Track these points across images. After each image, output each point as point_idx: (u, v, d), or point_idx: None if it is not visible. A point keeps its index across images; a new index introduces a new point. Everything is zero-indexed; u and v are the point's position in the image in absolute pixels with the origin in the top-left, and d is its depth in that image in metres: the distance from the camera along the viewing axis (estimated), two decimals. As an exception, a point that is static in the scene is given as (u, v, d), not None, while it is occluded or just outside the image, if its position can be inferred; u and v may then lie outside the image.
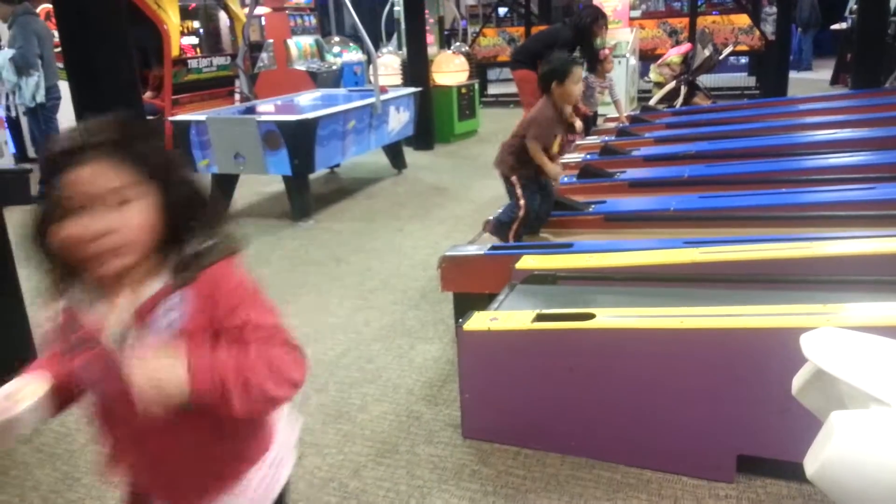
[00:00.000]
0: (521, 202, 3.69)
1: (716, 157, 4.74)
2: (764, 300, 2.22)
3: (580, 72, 3.73)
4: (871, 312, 2.00)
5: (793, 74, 11.18)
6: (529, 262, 2.95)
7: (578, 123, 4.04)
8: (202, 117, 5.61)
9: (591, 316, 2.28)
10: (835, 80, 12.07)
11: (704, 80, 9.81)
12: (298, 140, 5.28)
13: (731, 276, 2.55)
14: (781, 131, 5.46)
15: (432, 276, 3.94)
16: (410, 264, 4.54)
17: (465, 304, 3.02)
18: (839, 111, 6.03)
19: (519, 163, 3.75)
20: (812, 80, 12.54)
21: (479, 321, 2.47)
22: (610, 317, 2.28)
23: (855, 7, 10.51)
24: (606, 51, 6.76)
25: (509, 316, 2.47)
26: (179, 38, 8.61)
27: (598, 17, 6.21)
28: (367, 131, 6.27)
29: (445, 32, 12.41)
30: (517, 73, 6.51)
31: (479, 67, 11.47)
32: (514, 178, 3.75)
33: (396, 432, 2.63)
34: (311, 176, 5.87)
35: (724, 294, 2.44)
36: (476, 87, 9.26)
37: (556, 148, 3.77)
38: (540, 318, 2.38)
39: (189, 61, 8.71)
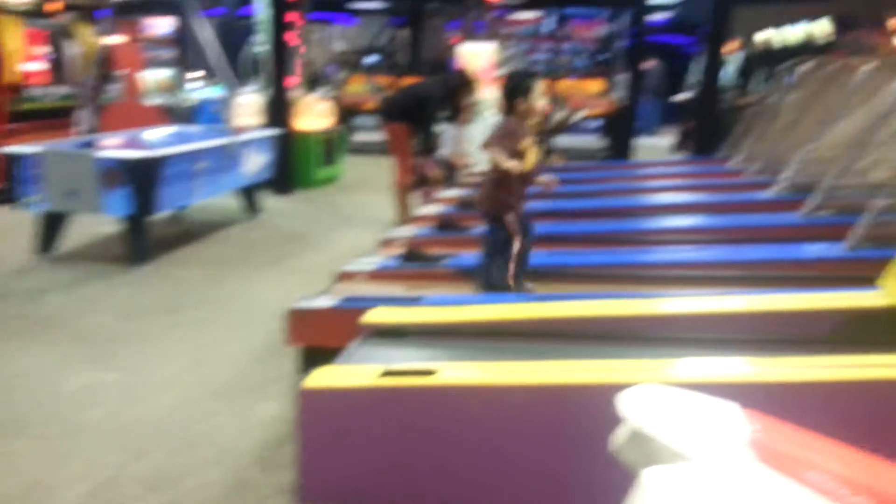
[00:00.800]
0: (514, 237, 3.51)
1: (566, 215, 4.89)
2: (605, 355, 2.24)
3: (541, 86, 3.71)
4: (696, 370, 2.06)
5: (640, 139, 11.98)
6: (379, 315, 2.85)
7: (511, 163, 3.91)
8: (36, 149, 5.16)
9: (433, 372, 2.21)
10: (679, 147, 13.04)
11: (560, 140, 10.32)
12: (140, 178, 4.97)
13: (576, 331, 2.57)
14: (626, 193, 5.75)
15: (280, 328, 3.76)
16: (258, 316, 4.32)
17: (313, 359, 2.87)
18: (679, 176, 6.46)
19: (494, 195, 3.61)
20: (659, 146, 13.49)
21: (321, 377, 2.33)
22: (452, 372, 2.22)
23: (695, 81, 11.44)
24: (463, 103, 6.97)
25: (353, 371, 2.36)
26: (18, 63, 7.98)
27: (467, 82, 6.42)
28: (220, 172, 6.00)
29: (311, 77, 12.34)
30: (389, 126, 6.50)
31: (346, 114, 11.44)
32: (505, 217, 3.55)
33: (224, 500, 2.42)
34: (155, 217, 5.53)
35: (568, 349, 2.45)
36: (341, 133, 9.20)
37: (528, 164, 3.66)
38: (387, 374, 2.28)
39: (30, 89, 8.08)
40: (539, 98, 3.62)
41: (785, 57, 7.33)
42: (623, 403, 1.13)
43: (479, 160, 7.13)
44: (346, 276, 3.64)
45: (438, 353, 2.54)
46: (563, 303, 2.79)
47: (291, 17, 8.47)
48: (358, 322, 2.81)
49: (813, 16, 9.43)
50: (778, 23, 10.89)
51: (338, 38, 18.03)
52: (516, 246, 3.51)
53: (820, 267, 3.44)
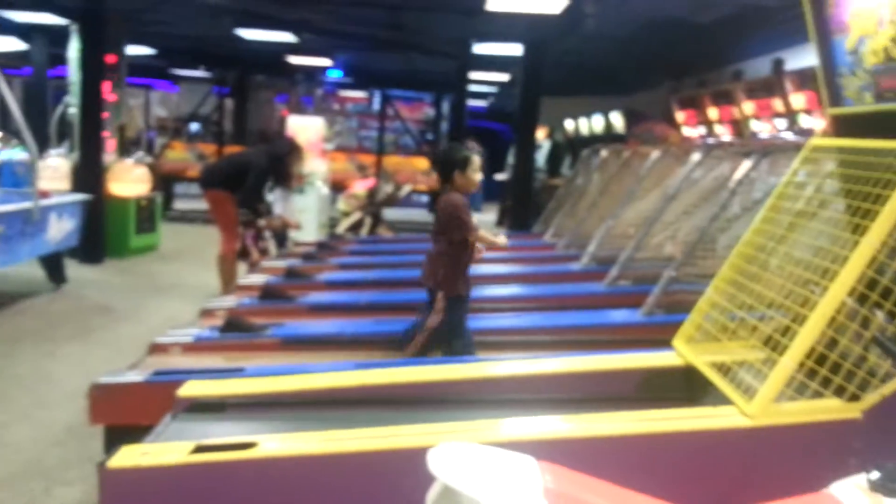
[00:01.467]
0: (440, 314, 3.43)
1: (391, 284, 4.98)
2: (425, 419, 2.28)
3: (478, 160, 3.63)
4: (507, 429, 2.15)
5: (466, 215, 12.50)
6: (195, 388, 2.71)
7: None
8: None
9: (252, 444, 2.14)
10: (500, 222, 13.74)
11: (391, 214, 10.55)
12: (-76, 244, 4.45)
13: (395, 397, 2.60)
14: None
15: (85, 406, 3.45)
16: (60, 394, 3.95)
17: (121, 439, 2.66)
18: (498, 249, 6.79)
19: (453, 274, 3.51)
20: (482, 221, 14.11)
21: (127, 457, 2.16)
22: (273, 444, 2.16)
23: (512, 163, 12.30)
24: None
25: (163, 449, 2.21)
26: None
27: (294, 150, 6.39)
28: (18, 239, 5.51)
29: (129, 142, 11.80)
30: (212, 193, 6.29)
31: (165, 181, 11.00)
32: (440, 295, 3.47)
33: None
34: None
35: (389, 415, 2.47)
36: (158, 200, 8.81)
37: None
38: (198, 449, 2.17)
39: None
40: (477, 172, 3.60)
41: (587, 144, 8.09)
42: (431, 462, 1.18)
43: (306, 227, 7.18)
44: (158, 349, 3.44)
45: (260, 426, 2.46)
46: (386, 369, 2.82)
47: (105, 80, 8.12)
48: (172, 396, 2.66)
49: (607, 108, 10.52)
50: (578, 114, 12.03)
51: (158, 103, 17.46)
52: (437, 321, 3.49)
53: (621, 331, 3.76)
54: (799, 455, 2.14)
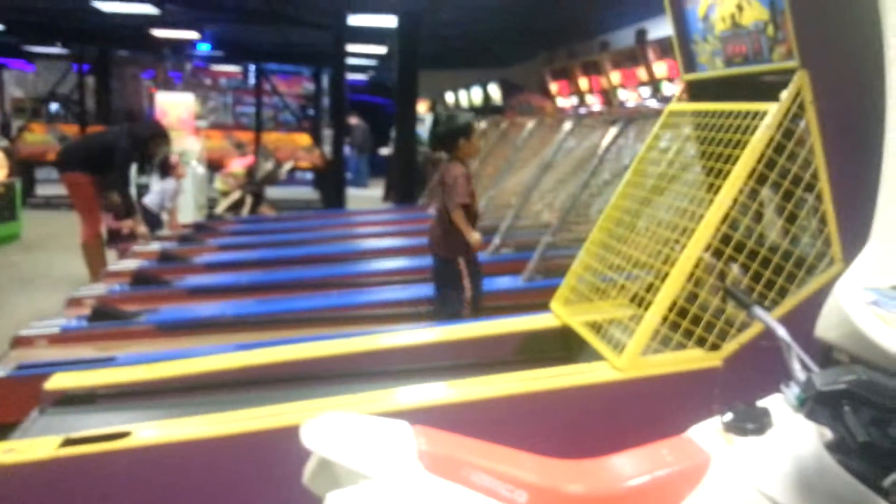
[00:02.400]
0: (466, 285, 3.50)
1: (275, 263, 4.88)
2: (306, 397, 2.26)
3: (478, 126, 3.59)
4: (390, 399, 2.17)
5: (353, 191, 12.39)
6: (63, 380, 2.57)
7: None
8: None
9: (126, 434, 2.05)
10: (386, 197, 13.69)
11: (274, 192, 10.29)
12: None
13: (278, 376, 2.57)
14: (335, 240, 5.91)
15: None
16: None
17: (-17, 439, 2.48)
18: (383, 223, 6.81)
19: (459, 238, 3.55)
20: (369, 196, 14.04)
21: (-12, 456, 2.03)
22: (147, 433, 2.08)
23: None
24: (175, 157, 6.67)
25: (30, 445, 2.08)
26: None
27: (157, 135, 6.10)
28: None
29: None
30: (69, 175, 5.90)
31: (25, 165, 10.24)
32: (459, 261, 3.52)
33: None
34: None
35: (270, 395, 2.43)
36: (17, 186, 8.20)
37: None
38: (67, 442, 2.06)
39: None
40: (479, 139, 3.62)
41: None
42: (304, 435, 1.17)
43: (183, 209, 6.92)
44: (22, 342, 3.25)
45: (133, 416, 2.36)
46: (265, 349, 2.77)
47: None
48: (39, 390, 2.51)
49: (486, 81, 10.66)
50: (458, 87, 12.12)
51: (15, 84, 16.16)
52: (466, 293, 3.60)
53: (503, 297, 3.85)
54: (666, 403, 2.27)
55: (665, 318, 2.28)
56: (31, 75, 16.21)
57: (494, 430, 2.13)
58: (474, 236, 3.63)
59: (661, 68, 5.80)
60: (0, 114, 13.66)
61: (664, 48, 5.57)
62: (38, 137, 11.34)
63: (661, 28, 5.63)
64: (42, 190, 11.59)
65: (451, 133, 3.72)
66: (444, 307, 3.67)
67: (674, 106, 2.84)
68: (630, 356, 2.23)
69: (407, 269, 4.66)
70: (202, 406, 2.42)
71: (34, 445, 2.06)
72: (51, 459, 1.99)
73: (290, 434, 2.01)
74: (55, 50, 14.05)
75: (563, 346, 2.82)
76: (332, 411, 1.25)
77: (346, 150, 13.66)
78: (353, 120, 15.51)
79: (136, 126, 6.15)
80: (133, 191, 6.92)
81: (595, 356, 2.41)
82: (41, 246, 7.96)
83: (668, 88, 5.61)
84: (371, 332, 3.10)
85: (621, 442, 1.60)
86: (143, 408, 2.47)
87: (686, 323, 2.28)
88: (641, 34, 6.51)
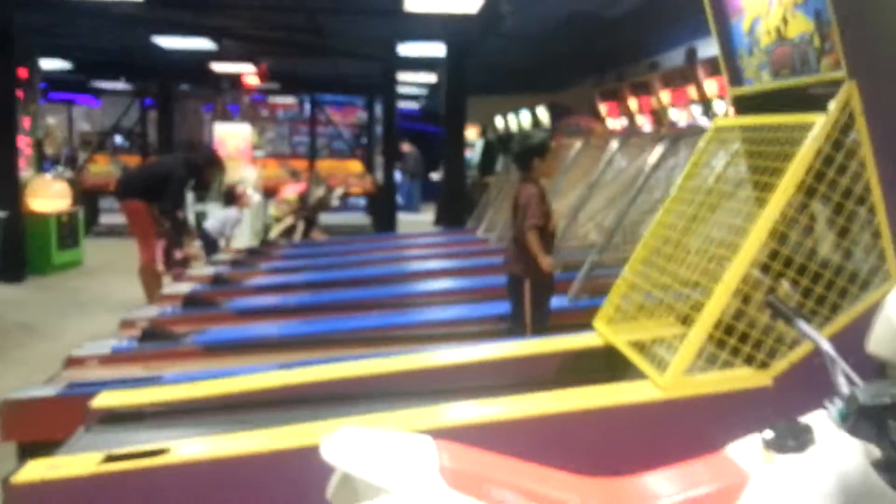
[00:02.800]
0: (527, 307, 3.49)
1: (322, 286, 4.93)
2: (348, 414, 2.24)
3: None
4: (431, 418, 2.14)
5: (405, 216, 12.49)
6: (109, 399, 2.62)
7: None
8: None
9: (165, 451, 2.07)
10: (437, 221, 13.74)
11: (328, 218, 10.45)
12: None
13: (318, 395, 2.57)
14: (382, 263, 5.95)
15: (-4, 426, 3.29)
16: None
17: (35, 455, 2.55)
18: (431, 246, 6.83)
19: (535, 261, 3.53)
20: (420, 221, 14.12)
21: (34, 471, 2.07)
22: (187, 449, 2.10)
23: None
24: (241, 188, 6.86)
25: (72, 461, 2.12)
26: None
27: (212, 163, 6.31)
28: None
29: (52, 158, 11.44)
30: (128, 203, 6.14)
31: (89, 196, 10.65)
32: (526, 282, 3.51)
33: None
34: None
35: (310, 413, 2.42)
36: (81, 215, 8.53)
37: (554, 220, 3.64)
38: (108, 459, 2.09)
39: None
40: (555, 158, 3.65)
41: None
42: (325, 450, 1.16)
43: (238, 235, 7.12)
44: (74, 362, 3.33)
45: (177, 433, 2.38)
46: (308, 368, 2.78)
47: (17, 94, 7.85)
48: (86, 409, 2.57)
49: (534, 105, 10.67)
50: (507, 111, 12.16)
51: (83, 118, 16.91)
52: (527, 318, 3.57)
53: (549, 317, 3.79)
54: (712, 424, 2.16)
55: (711, 336, 2.21)
56: (97, 110, 16.95)
57: (533, 449, 2.08)
58: (546, 260, 3.55)
59: (711, 86, 5.71)
60: (67, 147, 14.28)
61: (714, 66, 5.47)
62: (102, 169, 11.80)
63: (712, 47, 5.54)
64: (105, 219, 12.02)
65: (525, 152, 3.66)
66: (512, 325, 3.67)
67: (720, 121, 2.78)
68: (674, 375, 2.15)
69: (452, 290, 4.66)
70: (243, 424, 2.43)
71: (76, 462, 2.10)
72: (92, 475, 2.02)
73: (318, 454, 2.02)
74: (120, 85, 14.68)
75: (606, 366, 2.75)
76: (351, 426, 1.24)
77: (398, 176, 13.82)
78: (406, 147, 15.69)
79: (192, 155, 6.35)
80: (191, 217, 7.14)
81: (639, 375, 2.34)
82: (102, 271, 8.23)
83: (720, 106, 5.51)
84: (415, 351, 3.08)
85: (662, 463, 1.53)
86: (186, 425, 2.50)
87: (733, 340, 2.19)
88: (691, 53, 6.43)
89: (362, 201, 14.21)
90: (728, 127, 2.72)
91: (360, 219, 13.25)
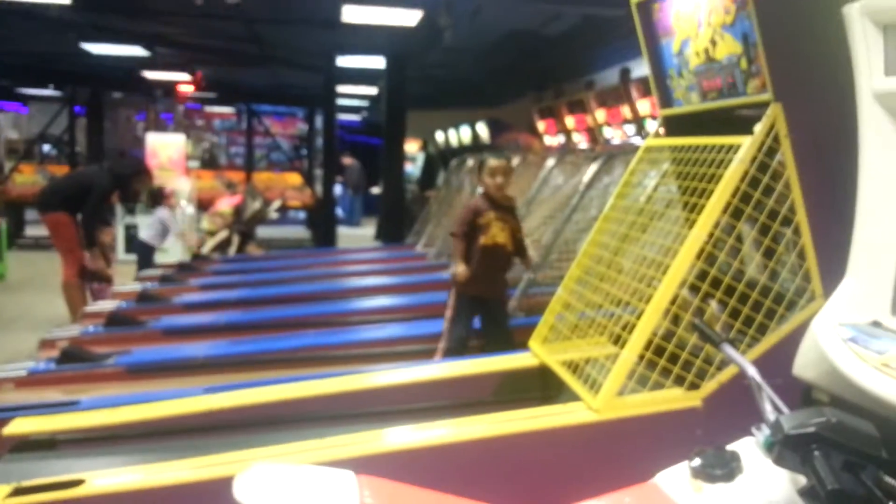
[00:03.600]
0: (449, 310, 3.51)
1: (256, 303, 4.81)
2: (272, 441, 2.17)
3: (495, 163, 3.68)
4: (350, 445, 2.07)
5: (345, 230, 12.35)
6: (23, 425, 2.48)
7: None
8: None
9: (80, 482, 1.96)
10: (378, 235, 13.64)
11: (267, 231, 10.25)
12: None
13: (243, 420, 2.48)
14: (319, 279, 5.84)
15: None
16: None
17: (-62, 487, 2.38)
18: (370, 262, 6.76)
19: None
20: (361, 235, 14.00)
21: (-67, 507, 1.94)
22: (103, 481, 1.98)
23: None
24: (168, 188, 6.66)
25: (-23, 496, 1.99)
26: None
27: (140, 172, 6.14)
28: None
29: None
30: (50, 216, 5.89)
31: (14, 206, 10.20)
32: (450, 293, 3.58)
33: None
34: None
35: (235, 441, 2.34)
36: (4, 226, 8.16)
37: (500, 238, 3.59)
38: (17, 492, 1.96)
39: None
40: (492, 174, 3.65)
41: (457, 155, 8.19)
42: (237, 488, 1.10)
43: (170, 248, 6.92)
44: (-13, 385, 3.14)
45: (94, 462, 2.27)
46: (234, 392, 2.68)
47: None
48: (-1, 436, 2.42)
49: (476, 121, 10.74)
50: (449, 126, 12.21)
51: (11, 126, 16.21)
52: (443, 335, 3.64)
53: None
54: (644, 446, 2.18)
55: (642, 357, 2.21)
56: (25, 117, 16.29)
57: (461, 476, 2.05)
58: (457, 268, 3.59)
59: (644, 106, 5.83)
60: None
61: (647, 86, 5.60)
62: (28, 178, 11.34)
63: (645, 67, 5.67)
64: (31, 231, 11.53)
65: (480, 170, 3.79)
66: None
67: (651, 141, 2.81)
68: (606, 396, 2.15)
69: (390, 307, 4.60)
70: (163, 452, 2.33)
71: (-16, 495, 1.97)
72: (-3, 510, 1.90)
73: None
74: (49, 92, 14.14)
75: (541, 386, 2.74)
76: (262, 462, 1.18)
77: (339, 189, 13.67)
78: (347, 160, 15.56)
79: (117, 163, 6.14)
80: (120, 230, 6.90)
81: (573, 397, 2.33)
82: (25, 287, 7.89)
83: (652, 126, 5.63)
84: (347, 373, 3.02)
85: (596, 487, 1.51)
86: (103, 454, 2.38)
87: (663, 361, 2.21)
88: (625, 73, 6.56)
89: (302, 214, 14.03)
90: (658, 147, 2.76)
91: (300, 232, 13.06)
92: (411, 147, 12.90)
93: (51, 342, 3.80)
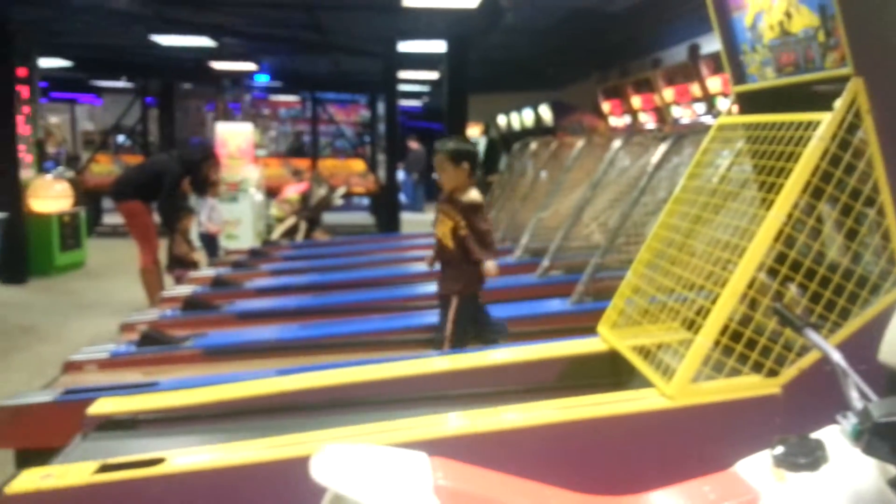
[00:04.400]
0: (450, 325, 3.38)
1: (324, 288, 4.89)
2: (344, 423, 2.21)
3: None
4: (425, 428, 2.09)
5: (409, 215, 12.43)
6: (106, 406, 2.59)
7: None
8: None
9: (160, 461, 2.03)
10: (439, 221, 13.68)
11: (331, 217, 10.40)
12: None
13: (315, 401, 2.53)
14: (385, 264, 5.90)
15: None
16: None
17: (30, 463, 2.52)
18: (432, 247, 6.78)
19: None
20: (424, 220, 14.07)
21: (28, 481, 2.03)
22: (183, 459, 2.06)
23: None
24: (215, 177, 6.82)
25: (67, 470, 2.09)
26: None
27: (209, 157, 6.32)
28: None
29: (53, 158, 11.41)
30: (124, 205, 6.12)
31: (91, 196, 10.63)
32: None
33: None
34: None
35: (308, 422, 2.39)
36: (83, 215, 8.51)
37: (438, 232, 3.56)
38: (103, 469, 2.05)
39: None
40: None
41: (520, 139, 8.11)
42: (314, 468, 1.12)
43: (241, 235, 7.08)
44: (72, 367, 3.30)
45: (172, 441, 2.35)
46: (306, 374, 2.74)
47: (16, 93, 7.83)
48: (83, 415, 2.53)
49: (538, 103, 10.61)
50: (511, 110, 12.10)
51: (87, 118, 16.91)
52: (447, 334, 3.48)
53: (550, 321, 3.75)
54: (720, 434, 2.13)
55: (718, 342, 2.16)
56: (99, 109, 16.96)
57: (532, 461, 2.04)
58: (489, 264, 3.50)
59: (715, 83, 5.64)
60: (61, 148, 14.29)
61: (718, 63, 5.43)
62: (104, 168, 11.78)
63: (715, 43, 5.48)
64: (109, 219, 12.01)
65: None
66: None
67: (724, 119, 2.72)
68: (680, 382, 2.10)
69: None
70: (238, 432, 2.40)
71: (71, 471, 2.06)
72: (85, 486, 1.99)
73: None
74: (121, 84, 14.67)
75: (611, 372, 2.71)
76: (338, 443, 1.20)
77: (402, 175, 13.74)
78: (413, 144, 15.63)
79: (185, 150, 6.33)
80: (203, 217, 7.11)
81: (645, 383, 2.29)
82: (104, 273, 8.22)
83: (723, 104, 5.46)
84: (413, 357, 3.04)
85: (670, 475, 1.49)
86: (181, 433, 2.46)
87: (740, 347, 2.15)
88: (694, 49, 6.36)
89: (365, 201, 14.19)
90: (732, 125, 2.66)
91: (364, 218, 13.22)
92: (473, 131, 12.87)
93: (131, 326, 3.95)
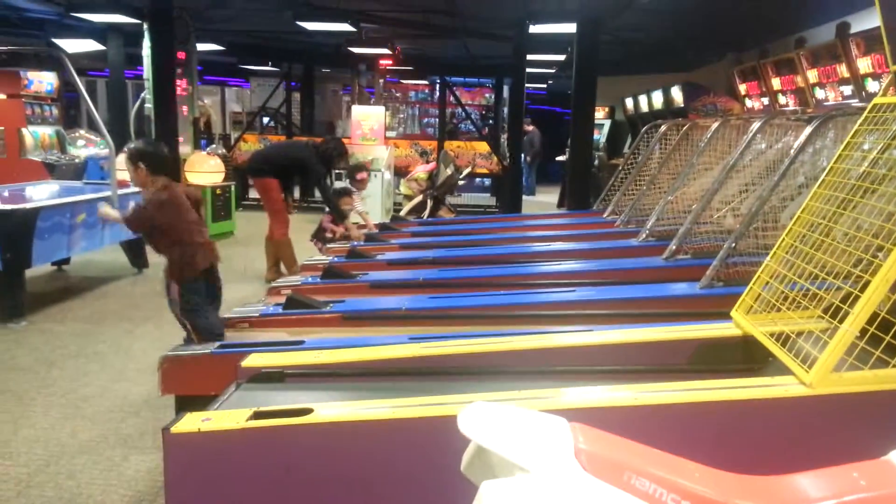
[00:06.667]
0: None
1: (450, 262, 5.02)
2: (476, 389, 2.31)
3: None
4: (561, 397, 2.15)
5: (527, 197, 12.44)
6: (257, 360, 2.82)
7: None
8: None
9: (308, 411, 2.21)
10: (560, 203, 13.60)
11: (455, 198, 10.58)
12: (12, 231, 4.74)
13: (448, 368, 2.64)
14: (508, 242, 5.98)
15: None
16: (136, 368, 4.16)
17: (190, 408, 2.79)
18: (557, 227, 6.78)
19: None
20: (542, 202, 14.04)
21: (189, 423, 2.26)
22: (329, 411, 2.23)
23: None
24: (364, 174, 7.11)
25: (224, 416, 2.31)
26: None
27: (343, 153, 6.83)
28: (99, 226, 5.81)
29: (205, 135, 12.23)
30: (261, 181, 6.67)
31: (239, 172, 11.35)
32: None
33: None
34: (33, 273, 5.28)
35: (441, 385, 2.51)
36: (233, 189, 9.12)
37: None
38: (256, 415, 2.26)
39: None
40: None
41: (648, 121, 7.91)
42: (461, 422, 1.17)
43: (371, 211, 7.46)
44: (227, 324, 3.59)
45: (317, 395, 2.53)
46: (435, 342, 2.86)
47: (176, 75, 8.51)
48: (236, 368, 2.77)
49: (668, 85, 10.26)
50: (639, 92, 11.76)
51: (235, 100, 17.98)
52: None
53: (678, 304, 3.69)
54: (862, 426, 2.07)
55: (864, 332, 2.08)
56: (247, 91, 17.98)
57: (666, 438, 2.05)
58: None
59: (864, 64, 5.28)
60: (221, 126, 15.27)
61: (869, 42, 5.07)
62: (251, 147, 12.49)
63: (866, 21, 5.13)
64: (254, 193, 12.75)
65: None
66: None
67: (880, 99, 2.59)
68: (821, 371, 2.05)
69: (580, 271, 4.61)
70: (377, 390, 2.56)
71: (227, 416, 2.27)
72: (241, 430, 2.18)
73: (452, 424, 2.08)
74: (267, 68, 15.51)
75: (743, 358, 2.66)
76: (485, 401, 1.25)
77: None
78: (528, 126, 15.57)
79: (321, 146, 6.73)
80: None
81: (780, 370, 2.25)
82: (250, 242, 8.79)
83: (874, 86, 5.10)
84: (537, 332, 3.10)
85: (806, 464, 1.47)
86: (324, 388, 2.64)
87: (889, 338, 2.06)
88: (843, 28, 5.96)
89: (487, 182, 14.32)
90: (888, 105, 2.53)
91: (487, 199, 13.34)
92: (597, 114, 12.66)
93: (276, 290, 4.24)
